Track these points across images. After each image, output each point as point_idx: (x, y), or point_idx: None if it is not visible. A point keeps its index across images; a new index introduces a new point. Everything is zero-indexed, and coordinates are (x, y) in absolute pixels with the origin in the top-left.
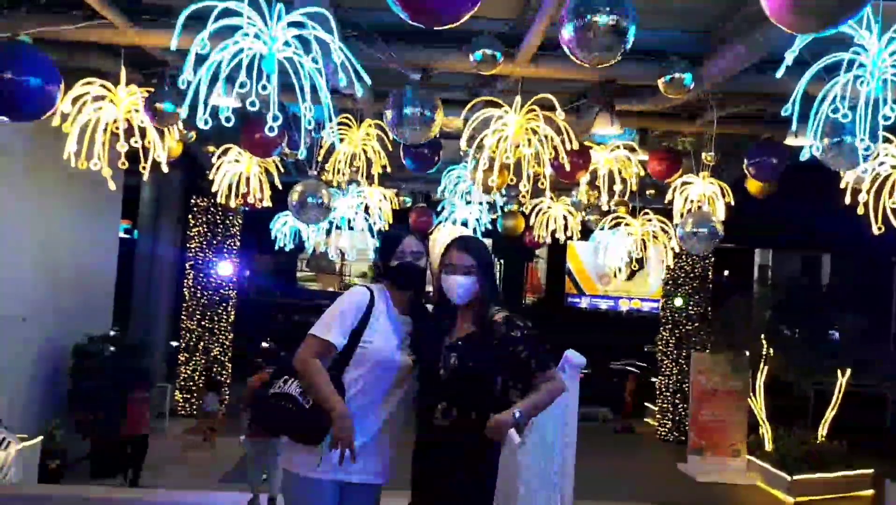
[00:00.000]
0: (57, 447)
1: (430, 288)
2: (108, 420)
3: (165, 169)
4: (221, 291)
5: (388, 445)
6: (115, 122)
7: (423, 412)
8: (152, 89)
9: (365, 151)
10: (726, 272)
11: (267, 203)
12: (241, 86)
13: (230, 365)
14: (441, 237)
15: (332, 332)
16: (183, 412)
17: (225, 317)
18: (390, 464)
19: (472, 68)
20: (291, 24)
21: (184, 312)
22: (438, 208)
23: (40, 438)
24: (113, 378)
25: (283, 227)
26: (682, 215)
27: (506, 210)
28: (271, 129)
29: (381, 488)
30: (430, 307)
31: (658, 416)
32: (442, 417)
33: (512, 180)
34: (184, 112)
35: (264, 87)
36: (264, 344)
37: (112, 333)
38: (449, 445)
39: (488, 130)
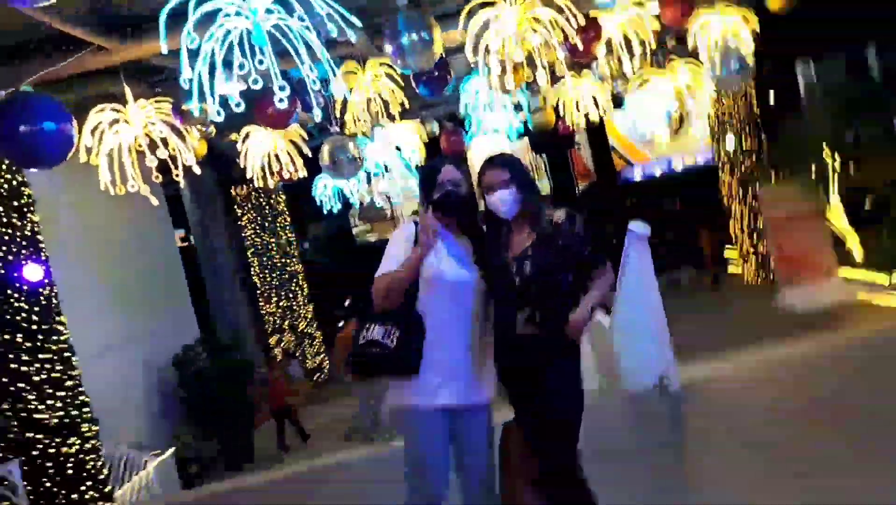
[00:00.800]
0: (190, 453)
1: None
2: (227, 417)
3: (198, 170)
4: (288, 268)
5: (481, 366)
6: (136, 140)
7: (502, 324)
8: (164, 98)
9: (379, 94)
10: (772, 98)
11: (303, 173)
12: (241, 67)
13: (320, 333)
14: (476, 155)
15: (388, 265)
16: None
17: (299, 291)
18: (491, 382)
19: None
20: None
21: (260, 299)
22: (467, 126)
23: (172, 448)
24: (217, 378)
25: (325, 191)
26: (709, 57)
27: (532, 108)
28: (281, 100)
29: (491, 408)
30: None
31: (741, 261)
32: (524, 325)
33: (529, 76)
34: (197, 109)
35: (261, 62)
36: (346, 302)
37: (202, 337)
38: (533, 350)
39: (490, 32)
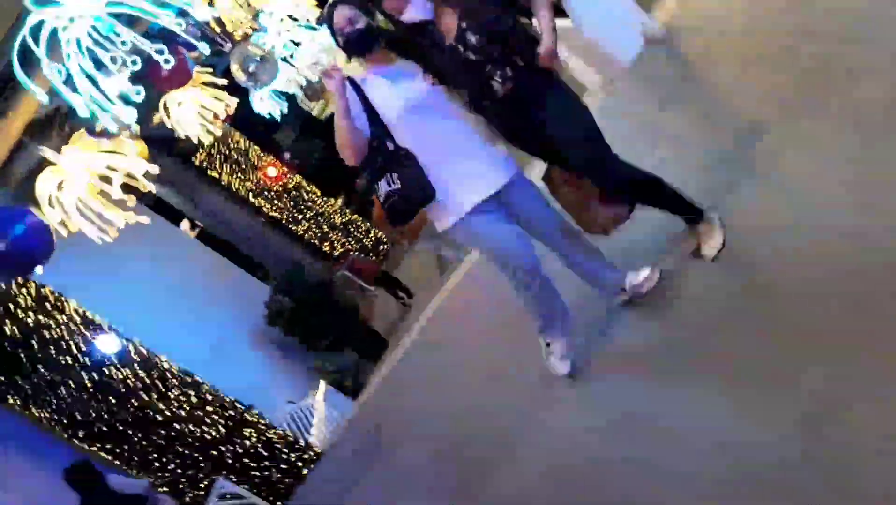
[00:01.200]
0: (336, 373)
1: None
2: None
3: (153, 189)
4: (289, 185)
5: (489, 148)
6: (90, 187)
7: (478, 98)
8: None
9: None
10: None
11: (234, 101)
12: (113, 61)
13: (360, 216)
14: None
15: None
16: None
17: (313, 195)
18: (505, 155)
19: None
20: None
21: (289, 226)
22: None
23: (321, 381)
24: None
25: (262, 103)
26: None
27: None
28: (167, 60)
29: (522, 173)
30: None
31: None
32: (501, 84)
33: None
34: (110, 122)
35: (124, 42)
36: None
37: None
38: (523, 101)
39: None
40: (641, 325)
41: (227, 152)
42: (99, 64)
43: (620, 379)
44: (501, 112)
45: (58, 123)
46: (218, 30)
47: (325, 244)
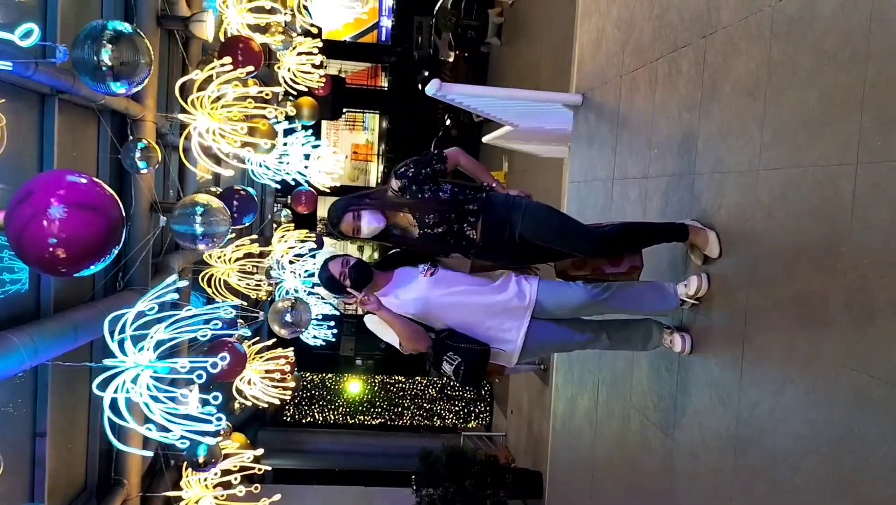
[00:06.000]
0: None
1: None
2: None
3: (268, 467)
4: (375, 389)
5: (502, 286)
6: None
7: (465, 251)
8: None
9: None
10: None
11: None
12: (181, 397)
13: None
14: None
15: (391, 339)
16: None
17: (397, 384)
18: (520, 287)
19: None
20: None
21: (398, 421)
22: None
23: None
24: None
25: (313, 337)
26: None
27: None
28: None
29: (539, 287)
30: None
31: None
32: (473, 229)
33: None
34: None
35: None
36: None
37: None
38: (494, 231)
39: None
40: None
41: (309, 395)
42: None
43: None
44: (489, 249)
45: (163, 466)
46: (245, 304)
47: (436, 419)
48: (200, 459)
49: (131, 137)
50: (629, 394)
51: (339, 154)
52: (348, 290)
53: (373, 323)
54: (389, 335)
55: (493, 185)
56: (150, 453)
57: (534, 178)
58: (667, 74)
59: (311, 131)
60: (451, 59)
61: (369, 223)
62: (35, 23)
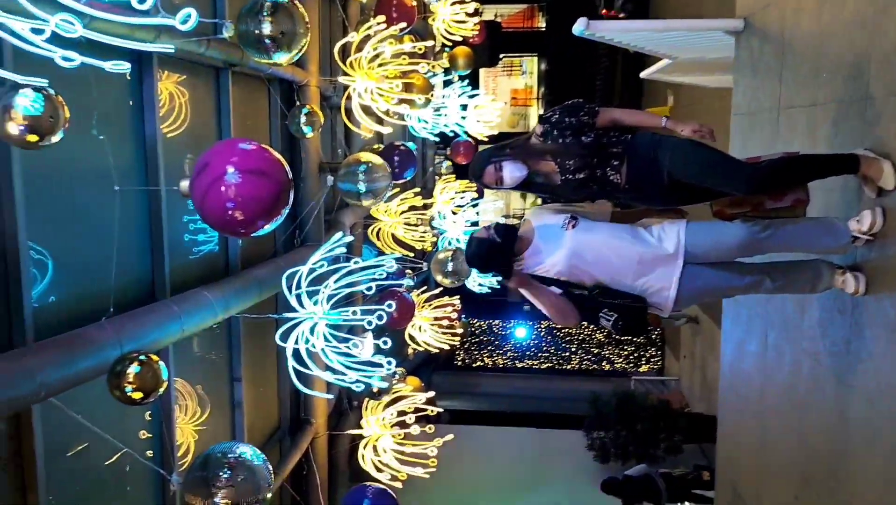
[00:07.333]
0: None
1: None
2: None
3: (440, 409)
4: (542, 334)
5: (646, 235)
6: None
7: (610, 196)
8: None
9: None
10: None
11: (457, 302)
12: (353, 344)
13: None
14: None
15: (543, 306)
16: None
17: (564, 329)
18: (670, 232)
19: None
20: None
21: (566, 366)
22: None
23: None
24: None
25: (477, 284)
26: None
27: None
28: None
29: (687, 229)
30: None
31: None
32: (617, 174)
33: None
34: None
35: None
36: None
37: None
38: (639, 174)
39: None
40: None
41: (478, 340)
42: (345, 342)
43: None
44: (636, 193)
45: (347, 406)
46: (412, 255)
47: (604, 364)
48: (375, 389)
49: (297, 103)
50: (800, 338)
51: (496, 101)
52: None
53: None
54: (537, 301)
55: (663, 123)
56: (331, 396)
57: (703, 111)
58: None
59: (467, 81)
60: None
61: (511, 172)
62: (205, 1)
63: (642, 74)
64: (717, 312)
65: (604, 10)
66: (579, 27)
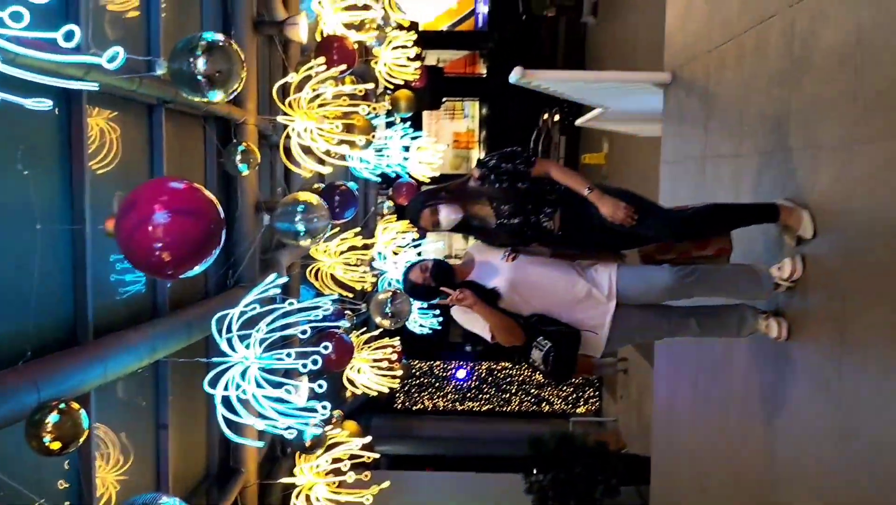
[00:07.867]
0: None
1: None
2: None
3: (377, 455)
4: (483, 376)
5: (586, 275)
6: (325, 483)
7: (544, 241)
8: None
9: None
10: None
11: (397, 344)
12: (289, 387)
13: None
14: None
15: (482, 331)
16: None
17: (503, 371)
18: (600, 274)
19: None
20: None
21: (506, 408)
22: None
23: None
24: None
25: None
26: None
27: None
28: (325, 347)
29: (618, 274)
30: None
31: None
32: (550, 221)
33: None
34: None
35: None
36: None
37: None
38: (573, 219)
39: None
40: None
41: (418, 382)
42: (278, 387)
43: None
44: (569, 239)
45: (280, 453)
46: (351, 295)
47: (544, 405)
48: (307, 444)
49: (234, 141)
50: (727, 380)
51: (438, 144)
52: (442, 290)
53: (458, 313)
54: (477, 326)
55: (585, 193)
56: (261, 444)
57: (635, 158)
58: (755, 47)
59: (410, 123)
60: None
61: (447, 215)
62: (138, 38)
63: (577, 122)
64: (651, 354)
65: None
66: (515, 76)
